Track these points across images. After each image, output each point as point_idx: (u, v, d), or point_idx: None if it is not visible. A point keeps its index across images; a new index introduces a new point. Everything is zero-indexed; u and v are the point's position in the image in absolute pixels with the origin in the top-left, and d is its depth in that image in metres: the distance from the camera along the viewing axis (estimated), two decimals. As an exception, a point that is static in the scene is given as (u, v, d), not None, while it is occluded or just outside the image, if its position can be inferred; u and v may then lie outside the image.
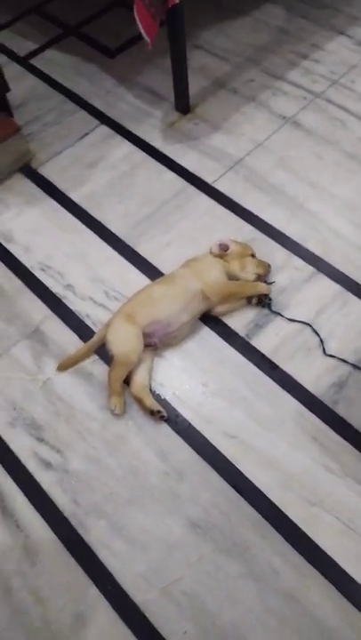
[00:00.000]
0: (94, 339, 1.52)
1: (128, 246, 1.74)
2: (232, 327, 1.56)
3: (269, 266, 1.61)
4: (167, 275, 1.60)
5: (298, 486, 1.32)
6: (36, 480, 1.37)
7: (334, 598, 1.19)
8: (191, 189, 1.86)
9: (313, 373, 1.47)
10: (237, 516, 1.29)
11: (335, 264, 1.65)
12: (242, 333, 1.54)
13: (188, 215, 1.80)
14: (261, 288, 1.56)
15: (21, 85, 2.21)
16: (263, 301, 1.57)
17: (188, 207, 1.82)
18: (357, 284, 1.61)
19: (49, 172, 1.95)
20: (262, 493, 1.31)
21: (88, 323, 1.59)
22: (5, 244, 1.78)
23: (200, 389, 1.47)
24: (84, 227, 1.80)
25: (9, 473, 1.38)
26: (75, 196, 1.88)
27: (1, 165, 1.91)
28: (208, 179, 1.88)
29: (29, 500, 1.34)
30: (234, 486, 1.33)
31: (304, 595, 1.20)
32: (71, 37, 2.39)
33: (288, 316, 1.55)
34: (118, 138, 2.02)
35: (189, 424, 1.42)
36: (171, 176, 1.90)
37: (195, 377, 1.49)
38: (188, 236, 1.74)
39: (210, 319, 1.56)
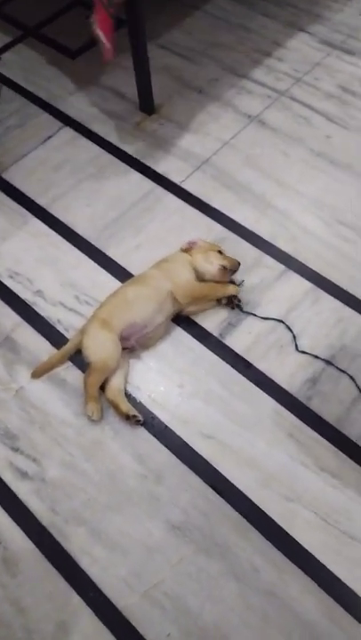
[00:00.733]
0: (69, 345, 1.50)
1: (98, 249, 1.73)
2: (205, 327, 1.56)
3: (239, 263, 1.59)
4: (138, 276, 1.59)
5: (276, 484, 1.33)
6: (12, 491, 1.35)
7: (315, 592, 1.21)
8: (159, 190, 1.85)
9: (287, 370, 1.48)
10: (217, 516, 1.30)
11: (305, 261, 1.67)
12: (215, 333, 1.55)
13: (157, 216, 1.79)
14: (230, 290, 1.56)
15: (-18, 89, 2.16)
16: (233, 302, 1.57)
17: (156, 208, 1.81)
18: (328, 280, 1.63)
19: (13, 176, 1.92)
20: (241, 492, 1.32)
21: (60, 328, 1.58)
22: (-29, 252, 1.75)
23: (176, 391, 1.47)
24: (51, 231, 1.78)
25: (-16, 485, 1.37)
26: (41, 200, 1.85)
27: (-36, 171, 1.88)
28: (176, 179, 1.88)
29: (6, 511, 1.32)
30: (213, 487, 1.33)
31: (285, 591, 1.21)
32: (30, 39, 2.35)
33: (261, 315, 1.56)
34: (83, 140, 2.00)
35: (166, 426, 1.42)
36: (138, 177, 1.89)
37: (170, 378, 1.49)
38: (157, 238, 1.74)
39: (182, 320, 1.56)
